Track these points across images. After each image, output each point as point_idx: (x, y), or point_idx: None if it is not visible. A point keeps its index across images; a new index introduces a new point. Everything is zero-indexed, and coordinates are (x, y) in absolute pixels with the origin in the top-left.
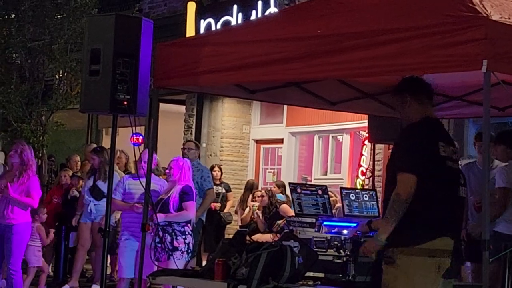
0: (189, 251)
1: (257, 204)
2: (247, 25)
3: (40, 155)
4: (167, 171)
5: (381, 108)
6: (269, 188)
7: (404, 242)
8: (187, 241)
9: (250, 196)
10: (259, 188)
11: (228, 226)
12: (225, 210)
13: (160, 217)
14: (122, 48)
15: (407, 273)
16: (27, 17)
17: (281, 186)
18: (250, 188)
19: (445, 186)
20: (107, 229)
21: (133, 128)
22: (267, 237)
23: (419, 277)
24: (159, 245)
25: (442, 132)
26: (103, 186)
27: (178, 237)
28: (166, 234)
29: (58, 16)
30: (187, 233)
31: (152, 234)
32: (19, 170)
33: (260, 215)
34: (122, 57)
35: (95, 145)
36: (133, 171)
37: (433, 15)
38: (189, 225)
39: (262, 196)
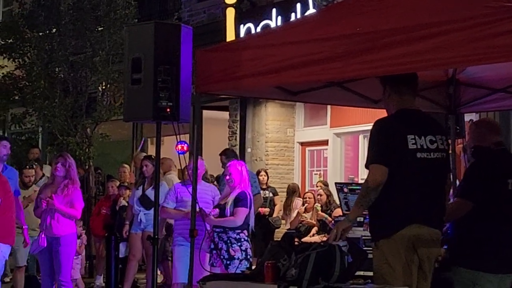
0: (248, 257)
1: (319, 205)
2: (286, 27)
3: (87, 167)
4: (227, 177)
5: (424, 103)
6: (325, 187)
7: (377, 234)
8: (243, 248)
9: (295, 200)
10: (306, 190)
11: (277, 230)
12: (274, 215)
13: (209, 221)
14: (163, 56)
15: (387, 262)
16: (68, 31)
17: (326, 185)
18: (292, 192)
19: (414, 177)
20: (156, 237)
21: (177, 136)
22: (316, 238)
23: (398, 265)
24: (214, 252)
25: (417, 123)
26: (152, 195)
27: (233, 245)
28: (222, 242)
29: (99, 29)
30: (242, 239)
31: (208, 240)
32: (64, 183)
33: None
34: (163, 64)
35: (144, 154)
36: (178, 179)
37: (472, 7)
38: (245, 231)
39: (320, 195)
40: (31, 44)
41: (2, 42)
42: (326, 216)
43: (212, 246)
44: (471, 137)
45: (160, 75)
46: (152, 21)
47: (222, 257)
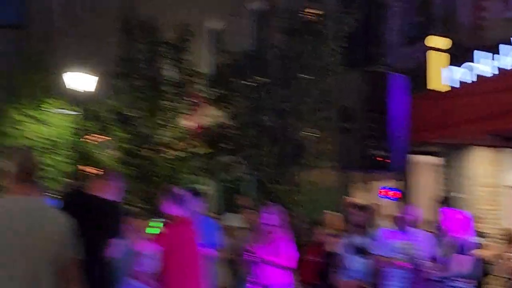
0: None
1: None
2: (501, 73)
3: (296, 214)
4: (439, 224)
5: None
6: None
7: None
8: None
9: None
10: None
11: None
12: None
13: (430, 276)
14: (372, 104)
15: None
16: (275, 80)
17: None
18: (510, 239)
19: None
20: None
21: (387, 182)
22: None
23: None
24: None
25: None
26: (361, 243)
27: None
28: None
29: (305, 77)
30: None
31: None
32: (269, 231)
33: None
34: (372, 112)
35: (353, 200)
36: (387, 225)
37: None
38: (471, 280)
39: None
40: (240, 93)
41: (217, 92)
42: None
43: None
44: None
45: (370, 124)
46: (360, 69)
47: None
